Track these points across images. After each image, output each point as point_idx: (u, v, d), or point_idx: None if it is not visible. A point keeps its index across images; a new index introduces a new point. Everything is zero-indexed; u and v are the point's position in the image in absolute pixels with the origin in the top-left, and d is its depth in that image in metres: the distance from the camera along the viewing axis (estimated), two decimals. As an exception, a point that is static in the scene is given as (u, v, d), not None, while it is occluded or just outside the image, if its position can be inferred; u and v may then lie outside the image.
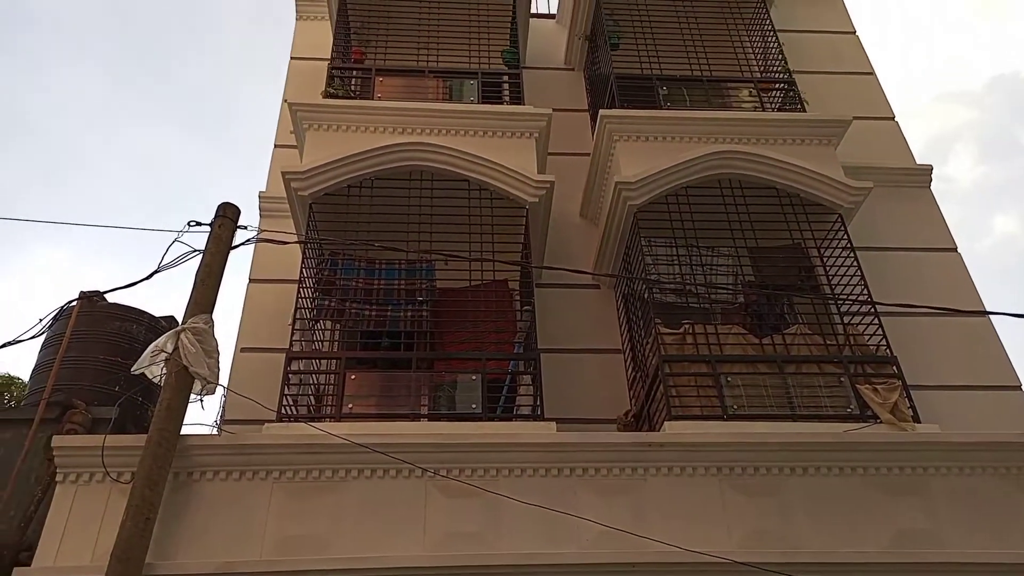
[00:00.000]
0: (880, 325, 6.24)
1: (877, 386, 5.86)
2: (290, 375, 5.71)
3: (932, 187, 8.30)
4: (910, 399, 5.81)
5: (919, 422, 5.71)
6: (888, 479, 5.23)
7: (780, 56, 8.24)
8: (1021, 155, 31.73)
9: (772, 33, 8.51)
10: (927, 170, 8.33)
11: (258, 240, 5.89)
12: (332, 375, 5.92)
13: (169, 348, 5.04)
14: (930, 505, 5.13)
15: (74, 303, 5.82)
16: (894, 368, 6.02)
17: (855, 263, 6.61)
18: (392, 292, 6.59)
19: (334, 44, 8.18)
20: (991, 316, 7.24)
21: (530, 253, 6.79)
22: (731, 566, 4.71)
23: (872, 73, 9.43)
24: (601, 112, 7.47)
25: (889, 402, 5.74)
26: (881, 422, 5.62)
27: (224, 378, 5.45)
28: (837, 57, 9.54)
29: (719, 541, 4.87)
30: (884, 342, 6.18)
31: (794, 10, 9.82)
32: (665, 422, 5.65)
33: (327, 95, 7.48)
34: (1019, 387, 6.81)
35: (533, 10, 9.60)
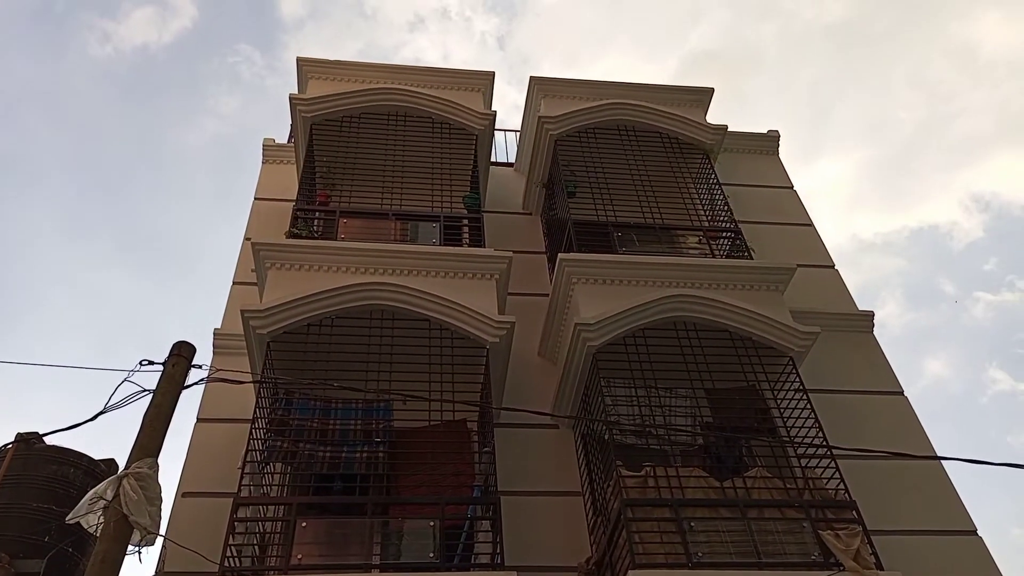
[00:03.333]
0: (837, 469, 6.29)
1: (839, 532, 5.81)
2: (236, 523, 5.41)
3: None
4: (871, 545, 5.77)
5: (882, 569, 5.64)
6: (857, 632, 5.09)
7: (726, 206, 8.75)
8: (944, 302, 33.61)
9: (717, 185, 9.08)
10: (869, 316, 8.72)
11: (212, 380, 5.74)
12: (281, 522, 5.62)
13: (109, 495, 4.74)
14: (902, 659, 4.98)
15: (9, 445, 5.51)
16: (854, 512, 6.01)
17: (808, 405, 6.74)
18: (348, 433, 6.42)
19: (300, 186, 8.41)
20: (943, 460, 7.37)
21: (490, 392, 6.76)
22: None
23: (811, 224, 10.05)
24: (560, 255, 7.72)
25: (851, 548, 5.68)
26: (845, 570, 5.53)
27: (163, 526, 5.13)
28: (778, 209, 10.17)
29: None
30: (843, 486, 6.20)
31: (736, 165, 10.54)
32: (629, 571, 5.46)
33: (291, 235, 7.60)
34: (975, 532, 6.83)
35: (493, 158, 10.11)
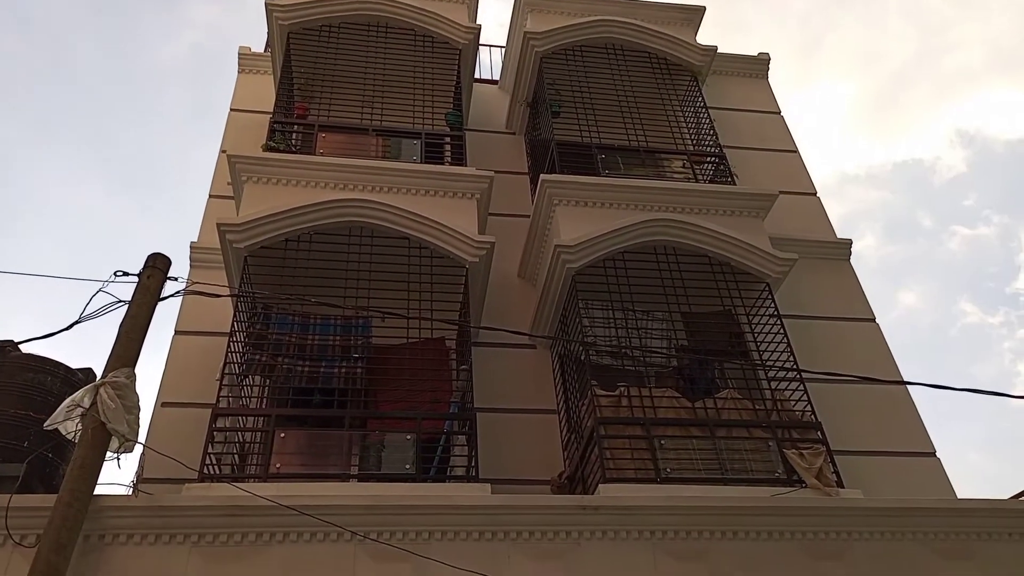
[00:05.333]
0: (806, 392, 6.46)
1: (803, 451, 6.02)
2: (215, 432, 5.49)
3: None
4: (834, 464, 5.98)
5: (842, 487, 5.87)
6: (814, 543, 5.33)
7: (712, 131, 8.65)
8: (922, 236, 33.94)
9: (704, 109, 8.95)
10: (847, 244, 8.79)
11: (188, 292, 5.72)
12: (259, 433, 5.71)
13: (86, 403, 4.80)
14: (853, 569, 5.24)
15: (-16, 352, 5.49)
16: (819, 434, 6.21)
17: (782, 331, 6.85)
18: (326, 348, 6.46)
19: (277, 98, 8.19)
20: (910, 390, 7.59)
21: (468, 312, 6.79)
22: (663, 633, 4.67)
23: (795, 151, 9.98)
24: (542, 176, 7.64)
25: (814, 467, 5.89)
26: (807, 487, 5.76)
27: (143, 435, 5.20)
28: (763, 134, 10.08)
29: (651, 607, 4.84)
30: (809, 408, 6.38)
31: (724, 88, 10.37)
32: (600, 484, 5.64)
33: (267, 148, 7.43)
34: (934, 453, 7.10)
35: (477, 75, 9.85)
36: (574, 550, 5.10)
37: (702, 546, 5.23)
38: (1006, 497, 6.30)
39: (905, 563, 5.30)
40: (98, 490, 4.58)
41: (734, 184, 8.07)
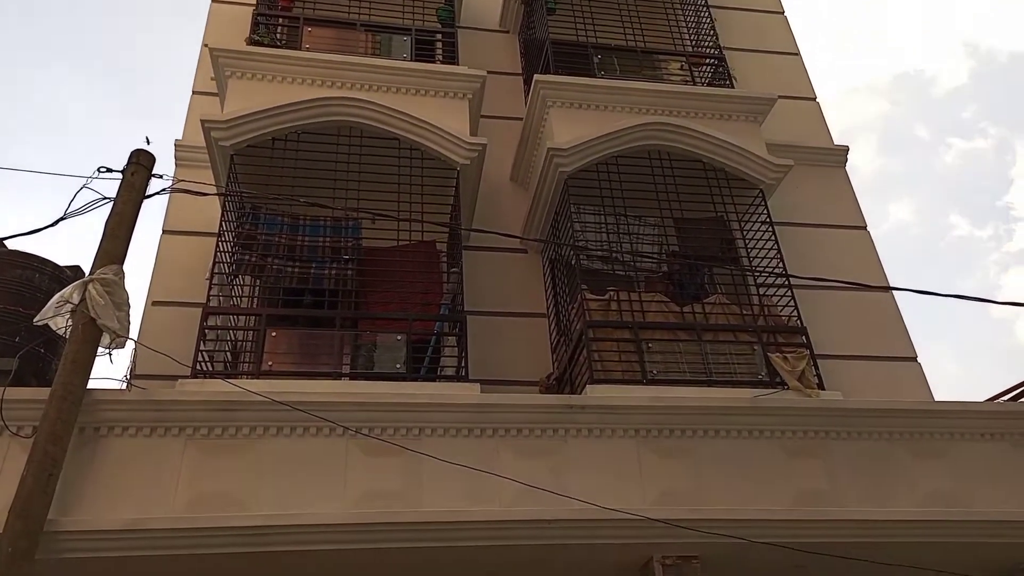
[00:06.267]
0: (793, 297, 6.52)
1: (787, 355, 6.13)
2: (206, 330, 5.53)
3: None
4: (816, 368, 6.11)
5: (824, 389, 6.00)
6: (793, 442, 5.50)
7: (712, 32, 8.37)
8: (919, 148, 33.57)
9: (705, 8, 8.63)
10: (843, 151, 8.67)
11: (174, 190, 5.64)
12: (251, 332, 5.76)
13: (75, 299, 4.79)
14: (830, 467, 5.43)
15: (-31, 249, 5.44)
16: (803, 338, 6.30)
17: (773, 237, 6.85)
18: (316, 249, 6.43)
19: (260, -12, 7.82)
20: (894, 293, 7.67)
21: (459, 215, 6.74)
22: (644, 523, 4.87)
23: (797, 54, 9.70)
24: (536, 77, 7.43)
25: (797, 370, 6.02)
26: (789, 389, 5.89)
27: (134, 332, 5.23)
28: (764, 36, 9.76)
29: (634, 499, 5.03)
30: (796, 314, 6.45)
31: (726, -15, 9.96)
32: (587, 385, 5.76)
33: (251, 42, 7.16)
34: (915, 358, 7.25)
35: (470, -32, 9.40)
36: (561, 447, 5.24)
37: (685, 444, 5.39)
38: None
39: (880, 461, 5.49)
40: (91, 384, 4.63)
41: (732, 87, 7.88)
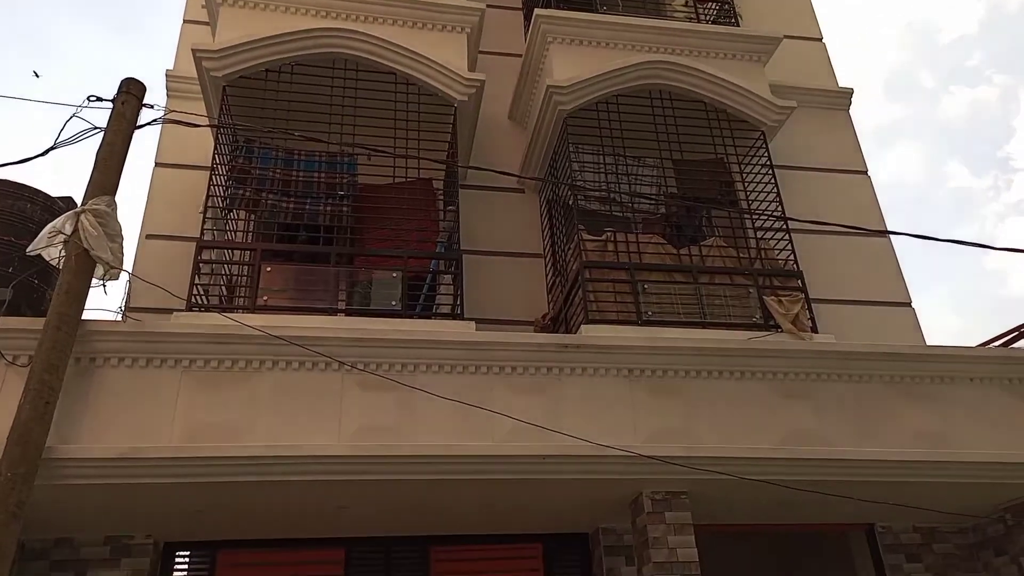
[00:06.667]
0: (790, 241, 6.49)
1: (782, 298, 6.14)
2: (201, 264, 5.50)
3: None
4: (811, 311, 6.13)
5: (817, 332, 6.04)
6: (785, 384, 5.55)
7: (718, -34, 8.13)
8: (923, 95, 33.10)
9: (711, -58, 8.36)
10: (847, 93, 8.53)
11: (166, 120, 5.53)
12: (246, 266, 5.73)
13: (68, 230, 4.75)
14: (820, 408, 5.49)
15: (-41, 178, 5.36)
16: (799, 282, 6.31)
17: (772, 181, 6.78)
18: (311, 185, 6.36)
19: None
20: (891, 240, 7.66)
21: (456, 152, 6.64)
22: (635, 459, 4.95)
23: (805, -9, 9.44)
24: (537, 11, 7.24)
25: (791, 313, 6.04)
26: (782, 331, 5.92)
27: (128, 264, 5.20)
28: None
29: (626, 437, 5.10)
30: (792, 257, 6.44)
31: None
32: (582, 325, 5.77)
33: (244, -31, 6.92)
34: (909, 303, 7.28)
35: None
36: (555, 385, 5.28)
37: (677, 384, 5.43)
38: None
39: (869, 403, 5.55)
40: (86, 316, 4.63)
41: (737, 25, 7.70)
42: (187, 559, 5.81)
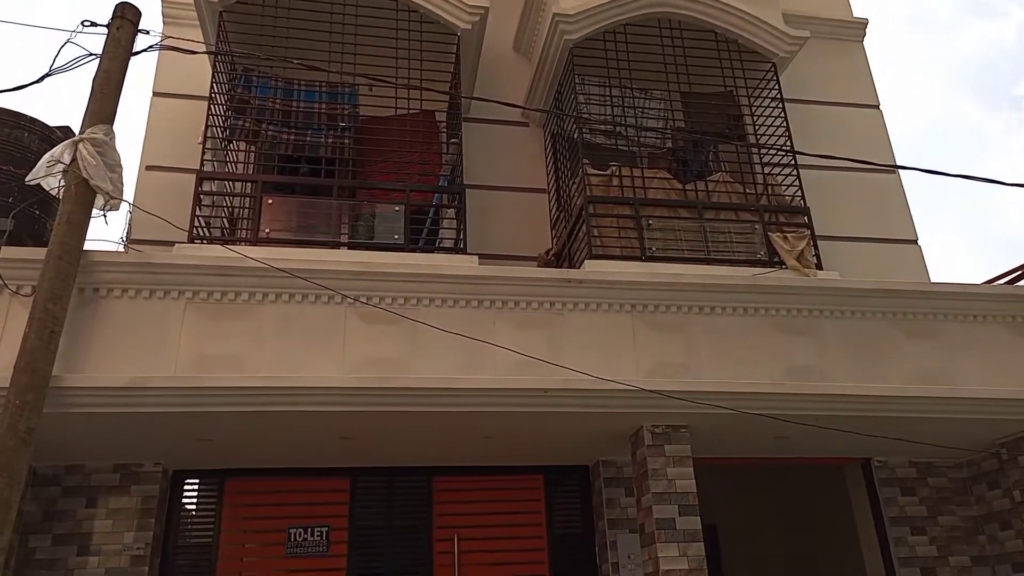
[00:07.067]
0: (798, 176, 6.40)
1: (787, 234, 6.09)
2: (201, 196, 5.45)
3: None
4: (816, 248, 6.09)
5: (821, 269, 6.01)
6: (787, 320, 5.55)
7: None
8: (938, 28, 32.15)
9: None
10: (862, 24, 8.28)
11: (163, 47, 5.39)
12: (247, 198, 5.68)
13: (66, 159, 4.69)
14: (821, 344, 5.50)
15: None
16: (805, 218, 6.25)
17: (782, 114, 6.64)
18: (312, 116, 6.25)
19: None
20: (900, 177, 7.55)
21: (460, 83, 6.50)
22: (637, 393, 4.99)
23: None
24: (542, -65, 6.97)
25: (796, 250, 6.00)
26: (787, 268, 5.89)
27: (129, 197, 5.15)
28: None
29: (628, 371, 5.13)
30: (799, 193, 6.36)
31: None
32: (586, 260, 5.75)
33: None
34: (915, 241, 7.23)
35: None
36: (557, 320, 5.29)
37: (680, 319, 5.43)
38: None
39: (872, 340, 5.56)
40: (88, 247, 4.61)
41: (751, -50, 7.40)
42: (196, 486, 5.96)
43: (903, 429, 5.66)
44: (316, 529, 5.92)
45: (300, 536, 5.88)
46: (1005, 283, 6.74)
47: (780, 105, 6.71)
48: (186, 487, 5.92)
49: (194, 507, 5.94)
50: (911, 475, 6.65)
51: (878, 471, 6.61)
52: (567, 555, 6.19)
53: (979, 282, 6.66)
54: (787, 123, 6.62)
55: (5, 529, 3.78)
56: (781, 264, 5.92)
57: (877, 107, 7.88)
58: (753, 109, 6.81)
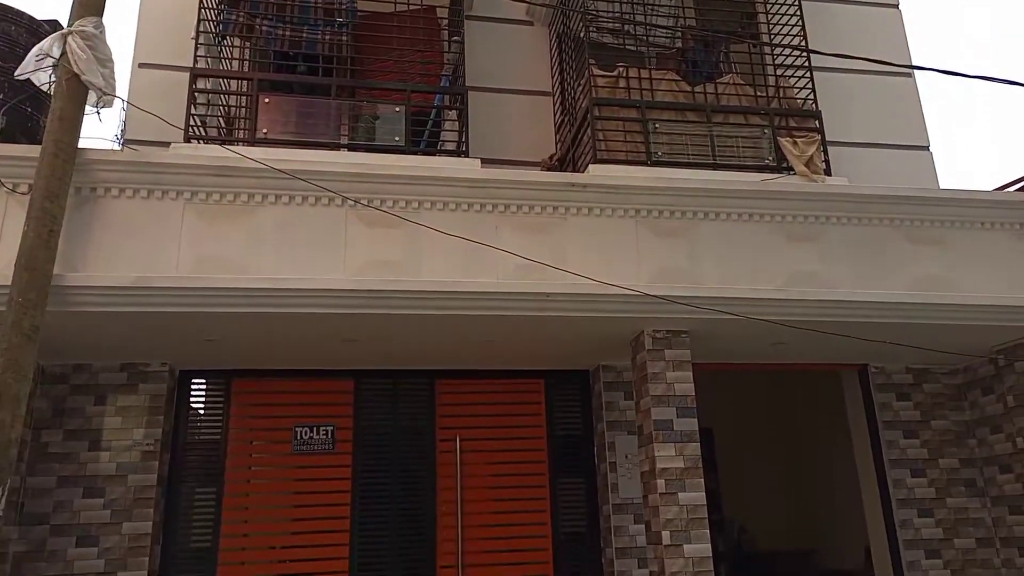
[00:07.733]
0: (811, 79, 6.20)
1: (797, 139, 5.96)
2: (196, 94, 5.30)
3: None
4: (826, 153, 5.96)
5: (830, 175, 5.90)
6: (792, 226, 5.49)
7: None
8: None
9: None
10: (885, -83, 7.84)
11: (149, -66, 5.13)
12: (244, 97, 5.54)
13: (55, 53, 4.53)
14: (826, 250, 5.46)
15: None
16: (816, 123, 6.09)
17: (798, 11, 6.37)
18: (308, 11, 6.00)
19: None
20: (916, 80, 7.32)
21: (461, -23, 6.22)
22: (639, 298, 5.00)
23: None
24: None
25: (806, 155, 5.88)
26: (795, 174, 5.79)
27: (123, 94, 5.02)
28: None
29: (630, 276, 5.11)
30: (812, 96, 6.18)
31: None
32: (590, 165, 5.65)
33: None
34: (927, 147, 7.07)
35: None
36: (560, 224, 5.23)
37: (684, 225, 5.38)
38: (987, 193, 6.39)
39: (876, 246, 5.52)
40: (83, 144, 4.52)
41: None
42: (203, 386, 6.07)
43: (903, 335, 5.69)
44: (322, 428, 6.07)
45: (306, 434, 6.04)
46: (1015, 191, 6.64)
47: (796, 2, 6.43)
48: (193, 386, 6.02)
49: (202, 406, 6.07)
50: (907, 381, 6.75)
51: (874, 377, 6.70)
52: (566, 455, 6.37)
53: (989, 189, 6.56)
54: (802, 21, 6.35)
55: (16, 422, 3.86)
56: (789, 170, 5.81)
57: (896, 6, 7.56)
58: (768, 6, 6.52)
